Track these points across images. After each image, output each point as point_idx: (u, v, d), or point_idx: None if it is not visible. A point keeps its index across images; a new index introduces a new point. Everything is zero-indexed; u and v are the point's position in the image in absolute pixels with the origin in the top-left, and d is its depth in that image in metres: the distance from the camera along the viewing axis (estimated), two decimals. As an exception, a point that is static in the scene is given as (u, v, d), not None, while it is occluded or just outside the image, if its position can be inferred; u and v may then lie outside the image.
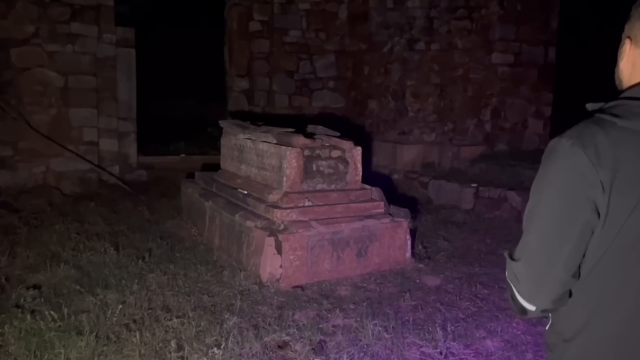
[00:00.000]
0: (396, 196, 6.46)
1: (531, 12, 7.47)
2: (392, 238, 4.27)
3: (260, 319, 3.23)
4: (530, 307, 1.06)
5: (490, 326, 3.23)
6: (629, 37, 1.08)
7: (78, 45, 6.84)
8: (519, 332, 3.16)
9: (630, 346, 1.00)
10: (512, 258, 1.09)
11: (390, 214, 4.45)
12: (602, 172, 0.96)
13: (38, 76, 6.68)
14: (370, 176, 7.11)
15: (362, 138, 7.43)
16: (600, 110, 1.04)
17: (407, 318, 3.31)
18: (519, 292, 1.07)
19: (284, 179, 4.17)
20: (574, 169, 0.98)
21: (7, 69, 6.51)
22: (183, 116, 13.96)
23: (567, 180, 0.99)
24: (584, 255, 1.02)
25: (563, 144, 1.01)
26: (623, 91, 1.08)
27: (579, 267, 1.03)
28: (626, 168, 0.95)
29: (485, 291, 3.78)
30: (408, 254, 4.37)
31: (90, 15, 6.87)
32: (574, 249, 1.00)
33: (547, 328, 1.16)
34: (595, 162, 0.96)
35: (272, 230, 3.90)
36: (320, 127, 4.74)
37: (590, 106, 1.08)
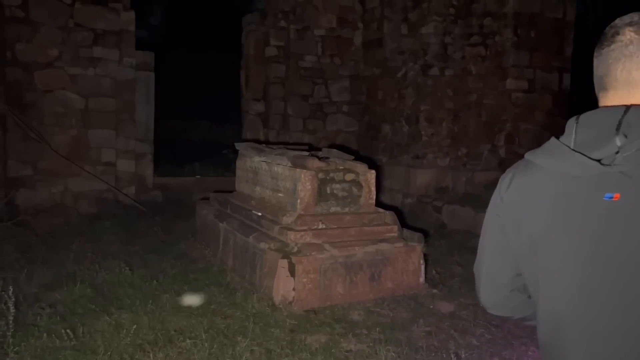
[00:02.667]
0: (409, 220, 6.44)
1: (545, 39, 7.51)
2: (405, 262, 4.26)
3: (272, 342, 3.23)
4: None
5: (505, 354, 3.19)
6: None
7: (99, 69, 7.03)
8: (535, 361, 3.11)
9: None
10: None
11: (403, 238, 4.44)
12: (504, 207, 1.11)
13: (60, 98, 6.86)
14: (383, 200, 7.12)
15: (375, 162, 7.47)
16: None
17: (420, 344, 3.28)
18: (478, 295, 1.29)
19: (298, 201, 4.20)
20: (493, 198, 1.16)
21: (30, 91, 6.70)
22: (198, 138, 14.16)
23: (490, 209, 1.17)
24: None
25: (503, 174, 1.17)
26: None
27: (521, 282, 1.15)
28: (527, 204, 1.06)
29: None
30: (421, 279, 4.35)
31: (112, 40, 7.08)
32: (501, 263, 1.17)
33: None
34: (503, 196, 1.11)
35: (285, 253, 3.92)
36: (335, 150, 4.79)
37: None
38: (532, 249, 1.05)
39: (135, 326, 3.23)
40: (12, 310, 3.02)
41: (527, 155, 1.11)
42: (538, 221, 1.04)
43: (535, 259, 1.05)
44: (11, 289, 3.15)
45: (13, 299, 3.07)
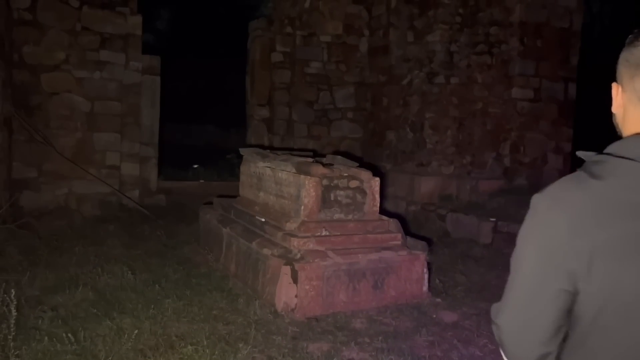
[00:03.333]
0: (413, 228, 6.42)
1: (551, 48, 7.50)
2: (409, 271, 4.23)
3: (274, 349, 3.21)
4: None
5: (509, 366, 3.15)
6: (616, 82, 1.06)
7: (106, 72, 7.05)
8: (539, 373, 3.08)
9: None
10: (493, 319, 1.09)
11: (407, 246, 4.42)
12: (580, 239, 0.92)
13: (66, 101, 6.88)
14: (387, 207, 7.10)
15: (379, 169, 7.46)
16: (587, 164, 1.01)
17: (423, 354, 3.25)
18: (502, 351, 1.08)
19: (302, 207, 4.19)
20: (549, 235, 0.96)
21: (36, 94, 6.72)
22: (203, 142, 14.20)
23: (542, 247, 0.97)
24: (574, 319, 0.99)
25: (541, 205, 0.99)
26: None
27: (566, 329, 1.01)
28: (606, 233, 0.91)
29: (504, 329, 3.70)
30: (425, 288, 4.32)
31: (119, 44, 7.11)
32: (547, 315, 0.98)
33: None
34: (573, 228, 0.93)
35: (288, 259, 3.90)
36: (339, 157, 4.77)
37: (581, 155, 1.05)
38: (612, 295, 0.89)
39: (136, 331, 3.21)
40: (13, 313, 3.01)
41: (597, 164, 0.95)
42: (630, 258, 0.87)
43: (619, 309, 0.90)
44: (13, 292, 3.14)
45: (15, 302, 3.06)
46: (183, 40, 16.88)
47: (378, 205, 4.49)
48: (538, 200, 1.01)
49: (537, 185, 7.40)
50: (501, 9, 7.37)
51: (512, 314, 1.03)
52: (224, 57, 14.89)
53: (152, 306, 3.70)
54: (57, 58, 6.81)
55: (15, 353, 2.86)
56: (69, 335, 3.07)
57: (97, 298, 3.88)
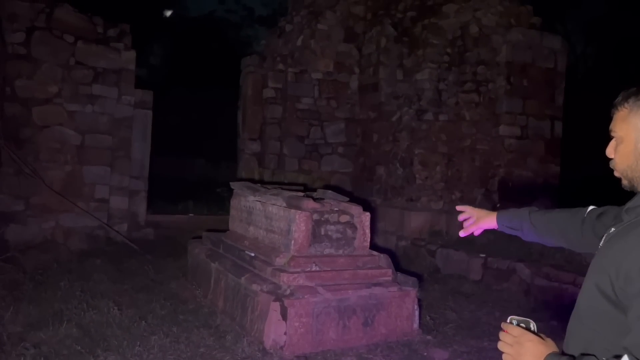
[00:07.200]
0: (403, 264, 6.39)
1: (537, 87, 7.69)
2: (399, 307, 4.19)
3: (262, 388, 3.13)
4: None
5: (501, 405, 3.10)
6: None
7: (98, 106, 7.09)
8: (531, 413, 3.02)
9: None
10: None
11: (398, 282, 4.39)
12: None
13: (56, 134, 6.88)
14: (377, 242, 7.08)
15: (369, 203, 7.48)
16: None
17: (414, 393, 3.20)
18: None
19: (292, 242, 4.17)
20: None
21: (27, 126, 6.73)
22: (193, 176, 14.18)
23: None
24: None
25: None
26: None
27: None
28: None
29: (495, 367, 3.66)
30: (415, 325, 4.27)
31: (112, 78, 7.18)
32: None
33: None
34: None
35: (277, 295, 3.85)
36: (330, 191, 4.79)
37: None
38: None
39: (121, 369, 3.13)
40: (-6, 350, 2.93)
41: None
42: None
43: None
44: (-5, 328, 3.07)
45: (-4, 339, 2.99)
46: (176, 75, 17.10)
47: (368, 240, 4.48)
48: None
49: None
50: (488, 49, 7.59)
51: None
52: (216, 92, 15.06)
53: (138, 343, 3.61)
54: (49, 92, 6.85)
55: (-6, 392, 2.77)
56: (51, 373, 2.98)
57: (82, 335, 3.78)
